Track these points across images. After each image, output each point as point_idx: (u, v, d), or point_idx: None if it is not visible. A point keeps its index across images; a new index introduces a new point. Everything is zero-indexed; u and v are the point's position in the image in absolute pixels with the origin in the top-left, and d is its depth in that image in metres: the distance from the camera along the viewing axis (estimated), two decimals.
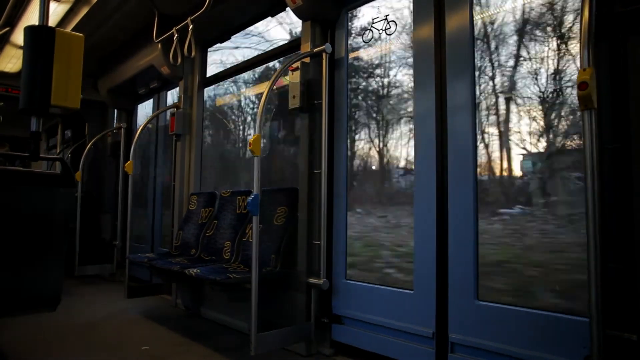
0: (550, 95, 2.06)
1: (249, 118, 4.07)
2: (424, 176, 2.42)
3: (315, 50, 2.88)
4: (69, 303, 3.87)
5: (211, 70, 4.34)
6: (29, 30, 1.96)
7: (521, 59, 2.17)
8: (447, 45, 2.37)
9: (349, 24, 2.98)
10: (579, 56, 1.64)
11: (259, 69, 3.83)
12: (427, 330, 2.32)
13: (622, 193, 1.72)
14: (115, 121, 5.88)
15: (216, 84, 4.28)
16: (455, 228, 2.27)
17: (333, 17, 2.97)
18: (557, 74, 2.04)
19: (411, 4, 2.59)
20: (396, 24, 2.72)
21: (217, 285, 2.74)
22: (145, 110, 5.69)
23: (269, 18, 3.64)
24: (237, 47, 4.07)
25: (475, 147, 2.25)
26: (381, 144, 2.80)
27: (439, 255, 2.32)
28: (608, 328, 1.62)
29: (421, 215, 2.43)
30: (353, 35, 2.96)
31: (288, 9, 3.02)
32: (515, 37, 2.19)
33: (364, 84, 2.92)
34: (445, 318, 2.26)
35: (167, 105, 4.99)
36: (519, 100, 2.17)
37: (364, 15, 2.91)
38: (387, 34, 2.76)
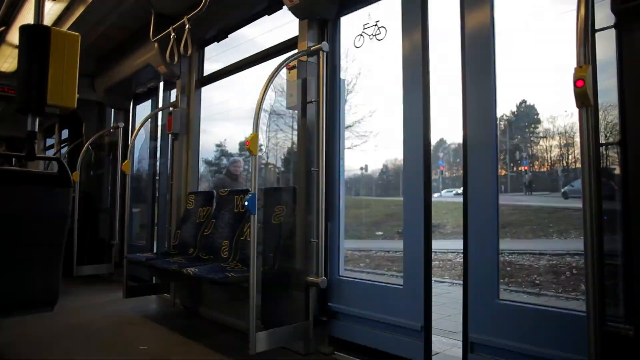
0: None
1: None
2: (412, 173, 2.49)
3: (312, 48, 2.87)
4: (68, 303, 3.86)
5: None
6: (24, 29, 1.95)
7: None
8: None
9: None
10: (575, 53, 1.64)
11: None
12: (416, 324, 2.37)
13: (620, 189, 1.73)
14: (112, 121, 5.86)
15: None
16: (475, 224, 2.21)
17: (330, 15, 2.97)
18: None
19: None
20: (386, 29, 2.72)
21: (215, 284, 2.74)
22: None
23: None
24: None
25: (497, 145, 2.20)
26: None
27: (426, 250, 2.39)
28: (606, 323, 1.63)
29: (409, 216, 2.47)
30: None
31: (285, 7, 3.02)
32: None
33: None
34: (466, 317, 2.21)
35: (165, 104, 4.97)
36: None
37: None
38: (377, 40, 2.77)
